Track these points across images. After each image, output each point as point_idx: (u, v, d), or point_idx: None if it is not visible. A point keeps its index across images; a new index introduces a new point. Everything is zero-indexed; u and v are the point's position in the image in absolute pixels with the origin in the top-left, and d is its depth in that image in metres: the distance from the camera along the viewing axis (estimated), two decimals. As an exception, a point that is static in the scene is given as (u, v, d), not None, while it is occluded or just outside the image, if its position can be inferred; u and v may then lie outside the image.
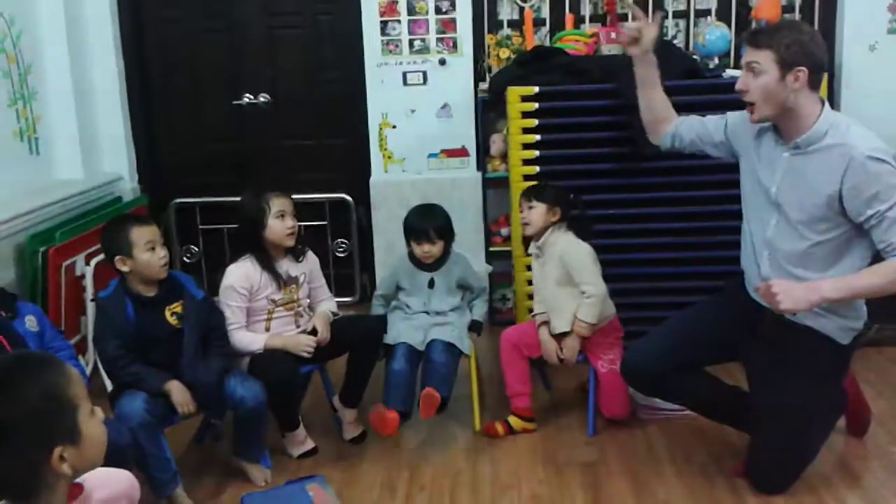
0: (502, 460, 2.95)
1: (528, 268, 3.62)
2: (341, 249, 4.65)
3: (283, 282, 2.99)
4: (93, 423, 1.50)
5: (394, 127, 4.35)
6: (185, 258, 4.70)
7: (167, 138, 4.64)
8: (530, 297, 3.63)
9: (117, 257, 2.66)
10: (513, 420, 3.09)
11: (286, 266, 3.03)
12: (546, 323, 3.09)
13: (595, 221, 3.23)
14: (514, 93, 3.50)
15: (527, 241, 3.23)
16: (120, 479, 2.17)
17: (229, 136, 4.60)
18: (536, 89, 3.48)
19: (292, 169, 4.57)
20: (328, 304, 3.15)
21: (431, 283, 3.19)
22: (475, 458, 2.97)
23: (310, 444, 3.03)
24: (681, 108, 3.38)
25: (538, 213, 3.08)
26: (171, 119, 4.62)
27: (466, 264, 3.26)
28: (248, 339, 2.92)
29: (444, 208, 3.29)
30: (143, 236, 2.66)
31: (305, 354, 2.92)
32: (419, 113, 4.32)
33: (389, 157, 4.39)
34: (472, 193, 4.31)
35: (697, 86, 3.50)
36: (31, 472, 1.43)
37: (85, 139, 4.22)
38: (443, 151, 4.36)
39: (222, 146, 4.61)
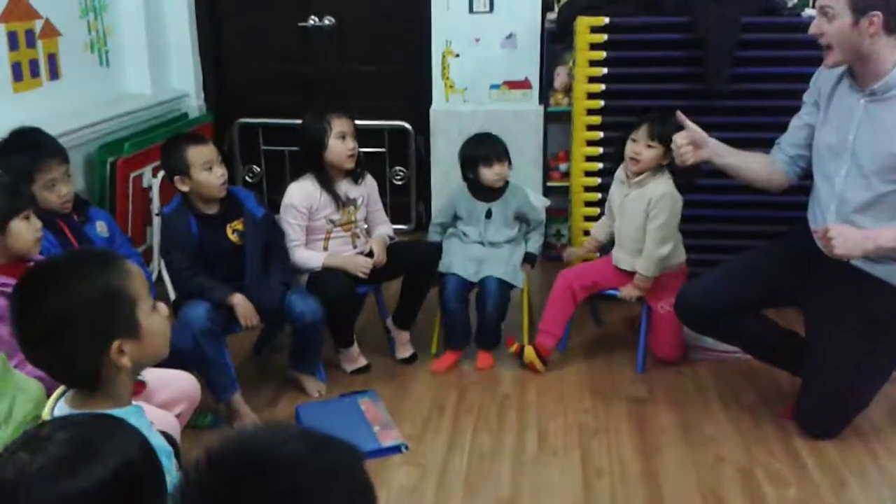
0: (549, 389, 2.99)
1: (587, 203, 3.62)
2: (399, 177, 4.67)
3: (341, 203, 3.03)
4: (154, 318, 1.53)
5: (457, 55, 4.30)
6: (247, 178, 4.77)
7: (234, 57, 4.67)
8: (586, 233, 3.61)
9: (177, 177, 2.72)
10: (528, 350, 3.08)
11: (345, 187, 3.06)
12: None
13: (701, 174, 3.05)
14: (583, 23, 3.43)
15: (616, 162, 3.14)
16: (181, 381, 2.28)
17: (294, 57, 4.61)
18: (607, 20, 3.40)
19: (353, 94, 4.56)
20: (385, 228, 3.19)
21: (489, 214, 3.19)
22: (523, 386, 3.02)
23: (363, 361, 3.11)
24: (757, 45, 3.31)
25: (654, 154, 2.92)
26: (238, 38, 4.63)
27: (524, 196, 3.25)
28: (307, 256, 2.98)
29: (506, 140, 3.27)
30: (200, 156, 2.70)
31: (361, 275, 2.97)
32: (483, 42, 4.25)
33: (451, 87, 4.36)
34: (532, 127, 4.27)
35: (775, 24, 3.39)
36: (92, 363, 1.45)
37: (153, 54, 4.27)
38: (505, 83, 4.31)
39: (287, 67, 4.62)
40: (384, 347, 3.26)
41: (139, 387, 2.06)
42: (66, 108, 3.63)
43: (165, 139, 2.98)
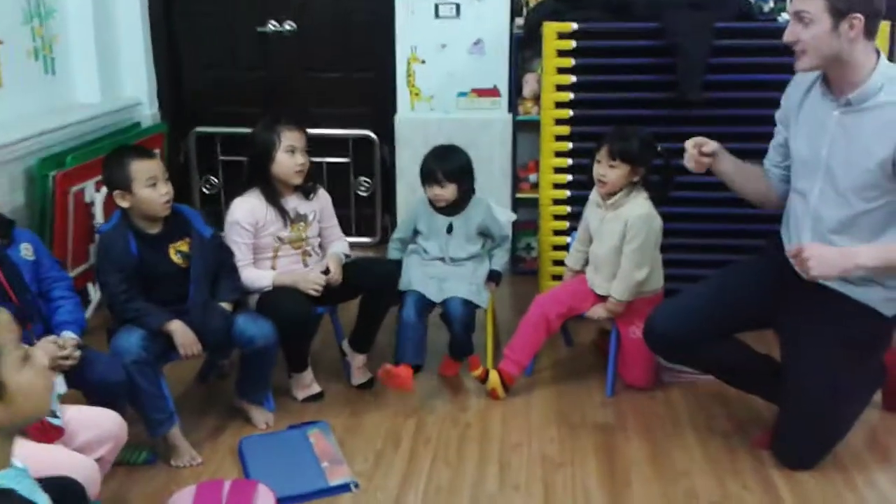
0: (514, 416, 2.82)
1: (556, 217, 3.46)
2: (364, 188, 4.49)
3: (290, 219, 2.85)
4: (26, 374, 1.33)
5: (423, 62, 4.14)
6: (204, 189, 4.58)
7: (190, 64, 4.48)
8: (556, 247, 3.47)
9: (117, 191, 2.53)
10: (493, 376, 2.90)
11: (294, 203, 2.88)
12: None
13: (674, 186, 2.93)
14: (550, 28, 3.27)
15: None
16: (104, 420, 2.10)
17: (253, 64, 4.43)
18: (575, 26, 3.25)
19: (316, 102, 4.40)
20: (340, 245, 3.01)
21: (450, 229, 3.02)
22: (485, 413, 2.85)
23: (316, 389, 2.93)
24: (731, 52, 3.16)
25: (619, 174, 2.77)
26: (195, 43, 4.44)
27: (488, 210, 3.08)
28: (255, 276, 2.80)
29: (468, 151, 3.11)
30: (144, 171, 2.51)
31: (313, 293, 2.78)
32: (450, 48, 4.09)
33: (417, 94, 4.19)
34: (501, 136, 4.11)
35: (750, 29, 3.25)
36: None
37: (104, 61, 4.07)
38: (473, 90, 4.14)
39: (246, 74, 4.45)
40: (340, 372, 3.08)
41: (56, 433, 1.89)
42: (4, 119, 3.44)
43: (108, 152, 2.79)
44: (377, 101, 4.31)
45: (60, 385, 2.24)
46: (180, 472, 2.52)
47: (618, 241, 2.81)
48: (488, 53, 4.07)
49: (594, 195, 2.94)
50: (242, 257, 2.79)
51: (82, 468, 1.88)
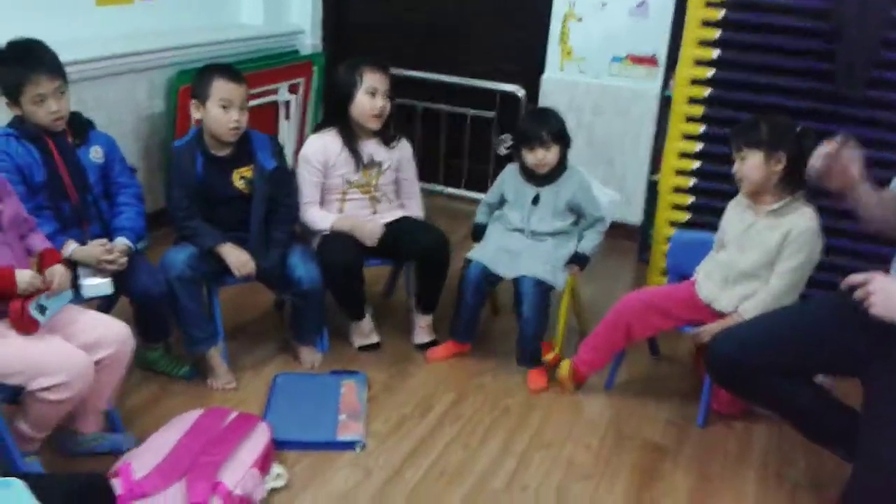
0: (560, 413, 2.59)
1: (675, 206, 3.10)
2: (507, 146, 4.29)
3: (363, 164, 2.76)
4: None
5: (579, 20, 3.85)
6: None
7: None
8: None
9: (194, 101, 2.55)
10: (564, 366, 2.65)
11: (372, 148, 2.78)
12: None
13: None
14: (697, -6, 2.89)
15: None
16: (110, 327, 2.12)
17: (414, 4, 4.34)
18: (726, -7, 2.84)
19: (471, 50, 4.25)
20: (413, 208, 2.93)
21: (536, 200, 2.79)
22: (531, 402, 2.63)
23: (373, 339, 2.86)
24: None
25: (752, 165, 2.35)
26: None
27: (582, 185, 2.79)
28: (318, 217, 2.75)
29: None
30: (221, 91, 2.51)
31: (369, 242, 2.69)
32: (611, 7, 3.77)
33: (568, 54, 3.91)
34: (651, 110, 3.76)
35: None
36: None
37: (270, -14, 4.18)
38: (629, 56, 3.80)
39: (408, 15, 4.37)
40: (409, 328, 2.96)
41: (32, 325, 1.94)
42: (153, 29, 3.61)
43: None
44: (529, 57, 4.08)
45: (107, 286, 2.33)
46: (211, 393, 2.56)
47: (769, 255, 2.39)
48: (652, 17, 3.71)
49: (740, 196, 2.52)
50: (308, 195, 2.74)
51: (72, 360, 1.94)
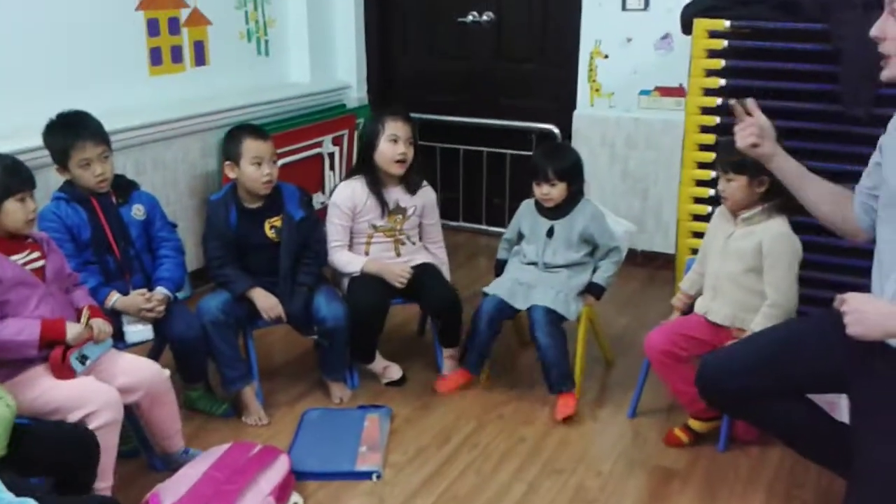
0: (575, 441, 2.66)
1: (694, 234, 3.15)
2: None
3: (388, 210, 2.93)
4: None
5: (606, 56, 3.95)
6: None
7: (396, 52, 4.71)
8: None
9: (227, 162, 2.79)
10: (693, 423, 2.63)
11: (397, 195, 2.95)
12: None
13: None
14: (700, 26, 2.96)
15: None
16: (142, 369, 2.34)
17: (453, 54, 4.54)
18: (727, 23, 2.90)
19: (510, 93, 4.42)
20: (438, 256, 3.09)
21: (550, 232, 2.89)
22: (548, 431, 2.71)
23: (394, 375, 3.01)
24: None
25: (737, 187, 2.48)
26: (402, 32, 4.67)
27: (595, 216, 2.89)
28: (347, 259, 2.93)
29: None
30: (252, 149, 2.74)
31: (398, 284, 2.85)
32: (636, 42, 3.87)
33: (597, 90, 4.02)
34: (682, 139, 3.80)
35: None
36: None
37: (316, 46, 4.44)
38: (657, 89, 3.88)
39: (448, 64, 4.57)
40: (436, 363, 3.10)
41: (69, 374, 2.16)
42: (209, 94, 3.90)
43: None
44: (562, 96, 4.21)
45: (148, 332, 2.58)
46: (245, 429, 2.74)
47: (747, 261, 2.48)
48: (676, 49, 3.78)
49: (722, 208, 2.62)
50: (337, 238, 2.93)
51: (97, 392, 2.14)
